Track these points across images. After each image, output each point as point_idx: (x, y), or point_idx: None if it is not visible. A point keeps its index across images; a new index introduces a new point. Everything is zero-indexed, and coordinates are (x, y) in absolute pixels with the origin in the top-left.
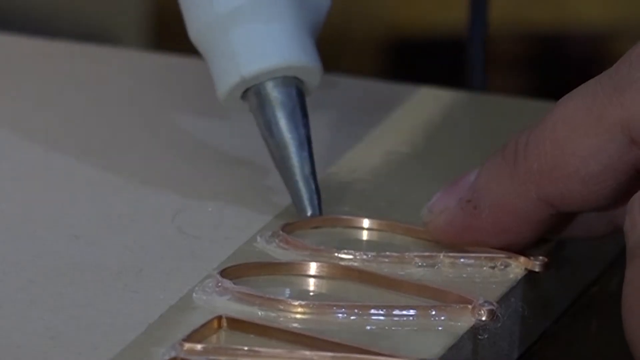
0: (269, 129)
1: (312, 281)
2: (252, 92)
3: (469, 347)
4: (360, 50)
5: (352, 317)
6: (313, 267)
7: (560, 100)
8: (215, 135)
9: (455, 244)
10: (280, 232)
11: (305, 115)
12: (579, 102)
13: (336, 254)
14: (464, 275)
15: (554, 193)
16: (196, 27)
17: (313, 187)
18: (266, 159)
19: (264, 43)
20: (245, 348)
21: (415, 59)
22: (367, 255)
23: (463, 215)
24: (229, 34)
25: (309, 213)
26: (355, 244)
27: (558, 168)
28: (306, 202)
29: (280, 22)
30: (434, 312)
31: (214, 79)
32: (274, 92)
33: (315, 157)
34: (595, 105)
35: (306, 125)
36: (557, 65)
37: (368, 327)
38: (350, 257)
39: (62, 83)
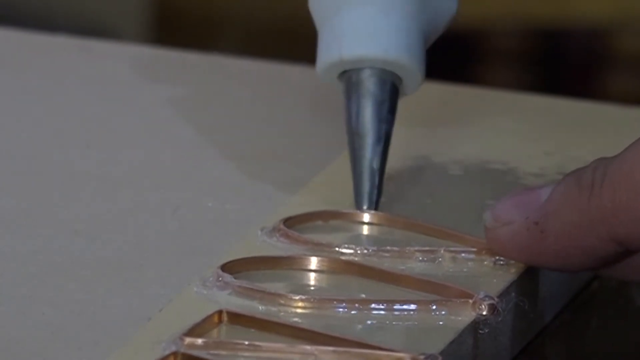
0: (352, 115)
1: (312, 276)
2: (348, 75)
3: (469, 341)
4: None
5: (352, 312)
6: (314, 262)
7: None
8: (216, 130)
9: (511, 259)
10: (281, 227)
11: (392, 112)
12: None
13: (337, 249)
14: (465, 270)
15: (624, 234)
16: None
17: (376, 182)
18: (267, 154)
19: (371, 31)
20: (246, 342)
21: None
22: (367, 249)
23: (528, 237)
24: (342, 13)
25: (364, 206)
26: (355, 239)
27: (632, 211)
28: (365, 195)
29: (395, 14)
30: (434, 307)
31: (317, 51)
32: (368, 81)
33: (315, 151)
34: None
35: (390, 122)
36: (557, 61)
37: (369, 322)
38: (351, 251)
39: (62, 78)
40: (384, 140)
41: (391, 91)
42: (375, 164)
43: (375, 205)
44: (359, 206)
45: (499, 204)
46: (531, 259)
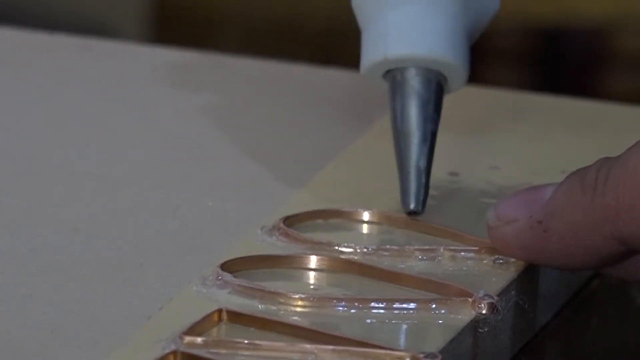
0: (397, 115)
1: (312, 274)
2: (392, 74)
3: (469, 340)
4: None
5: (352, 311)
6: (313, 260)
7: None
8: (216, 130)
9: (514, 257)
10: (281, 225)
11: (437, 111)
12: None
13: (336, 247)
14: (465, 269)
15: (628, 233)
16: None
17: (423, 182)
18: (267, 153)
19: (415, 29)
20: (246, 341)
21: None
22: (367, 248)
23: (531, 235)
24: (386, 11)
25: (411, 206)
26: (355, 237)
27: (635, 210)
28: (412, 195)
29: (439, 12)
30: (434, 306)
31: (362, 50)
32: (413, 80)
33: (318, 149)
34: None
35: (435, 122)
36: (557, 60)
37: (368, 321)
38: (351, 250)
39: (62, 78)
40: (430, 140)
41: (436, 90)
42: (422, 164)
43: (422, 205)
44: (405, 206)
45: (502, 202)
46: (534, 258)
